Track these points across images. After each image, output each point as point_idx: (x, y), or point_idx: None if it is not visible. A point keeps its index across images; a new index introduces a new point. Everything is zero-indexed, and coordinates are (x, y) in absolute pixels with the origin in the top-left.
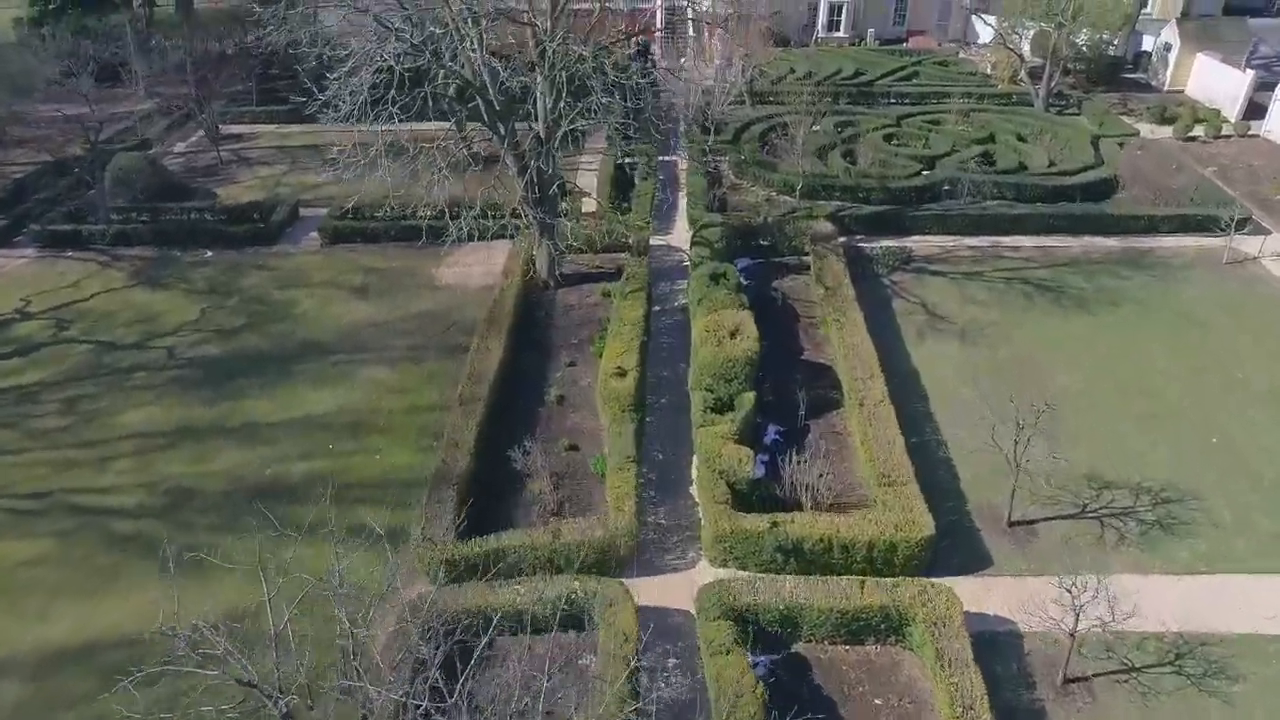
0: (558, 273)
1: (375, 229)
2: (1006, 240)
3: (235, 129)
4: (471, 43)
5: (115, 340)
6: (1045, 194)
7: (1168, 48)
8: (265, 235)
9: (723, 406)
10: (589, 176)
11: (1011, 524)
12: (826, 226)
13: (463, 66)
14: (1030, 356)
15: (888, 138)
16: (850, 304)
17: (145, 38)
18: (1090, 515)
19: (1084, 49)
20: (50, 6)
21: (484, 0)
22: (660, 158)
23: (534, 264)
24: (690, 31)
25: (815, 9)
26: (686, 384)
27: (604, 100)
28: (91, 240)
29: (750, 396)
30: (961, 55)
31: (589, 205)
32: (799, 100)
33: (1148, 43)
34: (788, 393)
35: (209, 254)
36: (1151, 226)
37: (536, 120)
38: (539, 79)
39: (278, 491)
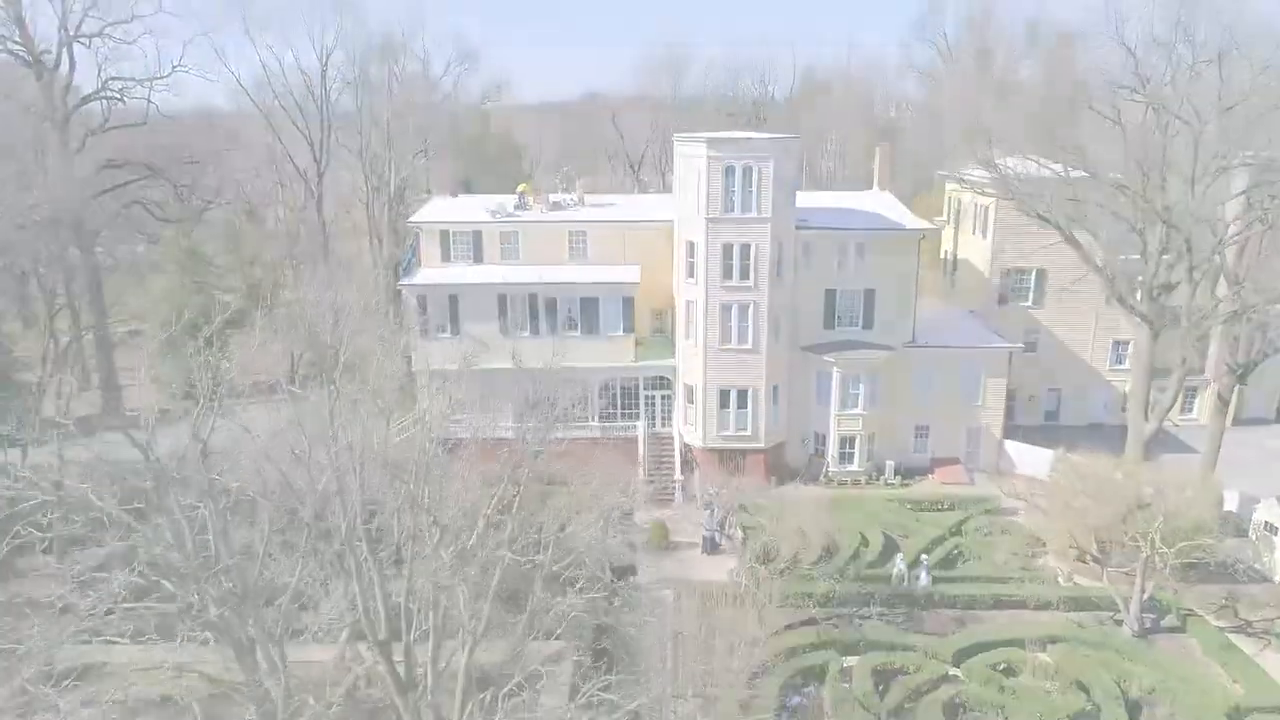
0: None
1: None
2: None
3: (92, 655)
4: None
5: None
6: None
7: (1271, 529)
8: None
9: None
10: None
11: None
12: None
13: None
14: None
15: (949, 711)
16: None
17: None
18: None
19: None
20: None
21: None
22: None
23: None
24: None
25: (824, 439)
26: None
27: None
28: None
29: None
30: (1004, 499)
31: None
32: (818, 607)
33: (1229, 499)
34: None
35: None
36: None
37: None
38: None
39: None
